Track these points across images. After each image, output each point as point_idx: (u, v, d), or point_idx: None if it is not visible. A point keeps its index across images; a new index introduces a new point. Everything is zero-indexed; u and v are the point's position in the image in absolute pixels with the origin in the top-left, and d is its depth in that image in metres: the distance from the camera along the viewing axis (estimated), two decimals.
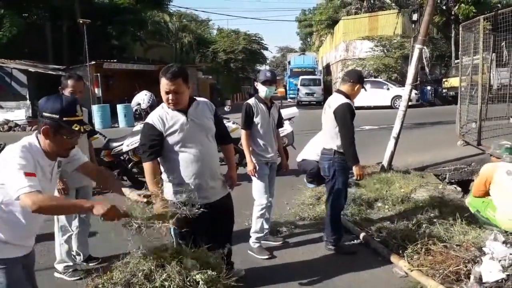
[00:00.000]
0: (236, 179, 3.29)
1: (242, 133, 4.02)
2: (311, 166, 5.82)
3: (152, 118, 2.83)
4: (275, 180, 4.38)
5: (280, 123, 4.37)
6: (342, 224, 4.35)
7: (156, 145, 2.80)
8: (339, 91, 4.00)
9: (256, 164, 3.98)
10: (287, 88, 32.59)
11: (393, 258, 3.74)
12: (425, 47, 6.21)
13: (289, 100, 29.34)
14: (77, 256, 3.88)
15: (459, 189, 6.09)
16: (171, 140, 2.80)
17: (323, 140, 4.18)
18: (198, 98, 3.01)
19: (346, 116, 3.77)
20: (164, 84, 2.73)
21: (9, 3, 19.99)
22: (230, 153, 3.33)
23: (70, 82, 3.64)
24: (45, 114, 2.04)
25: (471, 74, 9.10)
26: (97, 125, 15.24)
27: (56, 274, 3.72)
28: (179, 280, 2.13)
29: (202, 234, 2.64)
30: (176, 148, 2.82)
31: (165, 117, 2.82)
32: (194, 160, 2.84)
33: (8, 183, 1.91)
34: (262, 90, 4.06)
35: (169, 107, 2.82)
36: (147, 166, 2.81)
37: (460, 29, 8.57)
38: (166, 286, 2.10)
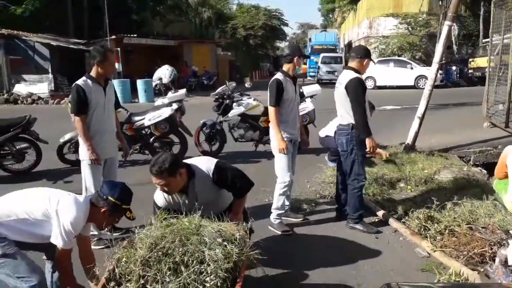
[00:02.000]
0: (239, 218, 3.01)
1: (271, 110, 3.95)
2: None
3: (159, 198, 2.93)
4: (297, 159, 4.36)
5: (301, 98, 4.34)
6: (364, 201, 4.32)
7: None
8: (348, 67, 4.04)
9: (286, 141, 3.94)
10: (308, 65, 32.10)
11: (416, 239, 3.71)
12: (454, 24, 5.96)
13: (308, 78, 28.84)
14: None
15: (484, 171, 5.94)
16: None
17: (338, 117, 4.16)
18: (196, 172, 2.82)
19: (357, 90, 3.82)
20: (151, 177, 2.73)
21: None
22: (241, 205, 3.05)
23: (110, 54, 3.67)
24: (110, 199, 2.53)
25: (501, 53, 8.76)
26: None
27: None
28: (199, 255, 2.12)
29: None
30: None
31: (168, 197, 2.89)
32: None
33: (58, 230, 2.39)
34: (299, 65, 4.05)
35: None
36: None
37: (492, 5, 8.19)
38: (185, 261, 2.10)
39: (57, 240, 2.40)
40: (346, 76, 3.93)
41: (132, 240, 2.27)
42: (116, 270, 2.11)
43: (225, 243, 2.18)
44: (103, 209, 2.52)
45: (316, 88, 7.19)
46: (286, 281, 3.20)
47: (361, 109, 3.82)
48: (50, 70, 17.89)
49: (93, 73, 3.71)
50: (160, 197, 2.88)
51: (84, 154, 3.72)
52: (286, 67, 4.06)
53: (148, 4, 25.56)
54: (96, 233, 3.80)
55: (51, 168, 6.45)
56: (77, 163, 5.17)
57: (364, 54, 3.98)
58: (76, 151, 6.03)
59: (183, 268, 2.04)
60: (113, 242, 3.44)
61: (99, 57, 3.64)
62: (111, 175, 3.89)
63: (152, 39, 22.90)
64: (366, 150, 3.95)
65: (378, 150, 4.86)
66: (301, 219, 4.36)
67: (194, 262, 2.06)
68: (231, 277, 2.08)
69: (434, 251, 3.43)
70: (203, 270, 2.04)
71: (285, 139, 3.96)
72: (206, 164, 2.88)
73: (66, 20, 22.25)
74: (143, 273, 2.05)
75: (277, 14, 36.33)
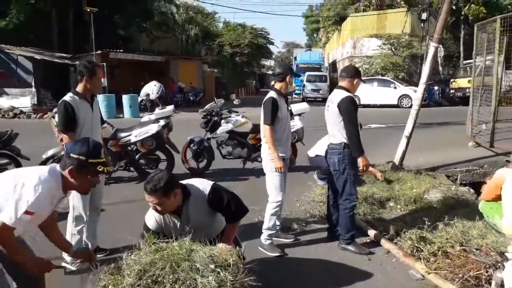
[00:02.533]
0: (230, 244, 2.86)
1: (267, 128, 3.87)
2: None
3: (149, 219, 2.76)
4: None
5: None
6: (355, 221, 4.26)
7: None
8: (339, 87, 4.03)
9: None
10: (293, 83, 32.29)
11: (409, 260, 3.65)
12: (440, 46, 6.07)
13: (294, 96, 29.09)
14: (84, 247, 3.79)
15: (472, 191, 5.97)
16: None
17: (329, 136, 4.13)
18: (191, 193, 2.72)
19: (350, 108, 3.81)
20: (145, 194, 2.59)
21: None
22: (233, 231, 2.89)
23: (98, 69, 3.58)
24: (72, 155, 2.27)
25: (483, 75, 8.96)
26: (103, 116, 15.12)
27: (63, 264, 3.63)
28: (190, 283, 2.00)
29: None
30: None
31: (159, 218, 2.74)
32: None
33: (10, 204, 2.12)
34: (291, 83, 4.05)
35: None
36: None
37: (475, 28, 8.41)
38: None
39: (5, 215, 2.10)
40: (338, 95, 3.90)
41: (119, 266, 2.13)
42: None
43: (218, 269, 2.06)
44: (69, 169, 2.25)
45: (304, 106, 7.19)
46: None
47: (354, 128, 3.79)
48: (33, 84, 17.57)
49: (79, 89, 3.60)
50: (151, 218, 2.75)
51: None
52: (278, 85, 4.01)
53: (134, 20, 25.54)
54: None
55: None
56: None
57: (355, 73, 3.99)
58: None
59: None
60: (96, 264, 3.30)
61: (87, 73, 3.54)
62: (96, 192, 3.74)
63: (138, 54, 22.82)
64: (359, 169, 3.91)
65: (371, 169, 4.83)
66: (291, 240, 4.26)
67: None
68: None
69: (429, 274, 3.36)
70: None
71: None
72: (202, 184, 2.78)
73: (51, 34, 22.04)
74: None
75: (263, 33, 36.79)
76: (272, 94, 3.96)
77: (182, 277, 1.96)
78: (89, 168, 2.29)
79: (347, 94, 3.86)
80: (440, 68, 13.35)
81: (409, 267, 3.62)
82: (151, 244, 2.27)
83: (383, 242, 4.09)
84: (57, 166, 2.34)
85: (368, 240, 4.25)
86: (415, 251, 3.76)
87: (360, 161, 3.84)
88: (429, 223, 4.01)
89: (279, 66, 4.24)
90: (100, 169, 2.31)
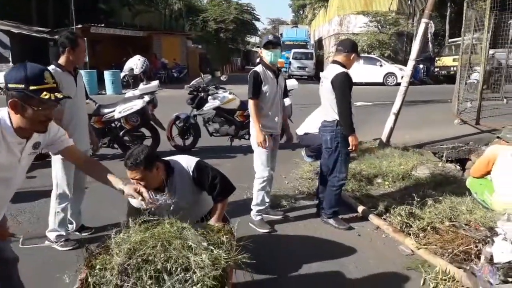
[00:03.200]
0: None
1: (250, 103, 3.78)
2: (317, 140, 5.59)
3: (132, 199, 2.54)
4: None
5: (285, 93, 4.16)
6: (340, 200, 4.24)
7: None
8: (334, 61, 3.88)
9: (265, 135, 3.78)
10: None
11: (399, 236, 3.66)
12: (431, 22, 5.98)
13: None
14: (69, 225, 3.69)
15: (458, 167, 6.02)
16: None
17: (323, 113, 4.04)
18: (175, 169, 2.61)
19: (344, 85, 3.69)
20: (126, 171, 2.45)
21: None
22: (221, 210, 2.74)
23: (81, 41, 3.39)
24: (10, 85, 1.81)
25: (470, 53, 8.96)
26: None
27: (46, 243, 3.53)
28: (183, 261, 1.91)
29: None
30: None
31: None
32: None
33: None
34: (267, 55, 3.82)
35: None
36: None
37: (465, 5, 8.33)
38: (169, 268, 1.88)
39: None
40: (332, 70, 3.77)
41: (107, 245, 2.03)
42: (90, 279, 1.87)
43: (211, 247, 1.98)
44: (9, 102, 1.82)
45: (293, 83, 7.08)
46: (274, 286, 3.05)
47: (346, 105, 3.70)
48: (10, 59, 16.91)
49: (62, 61, 3.41)
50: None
51: None
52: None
53: None
54: (63, 233, 3.52)
55: None
56: (42, 157, 4.83)
57: (352, 48, 3.83)
58: None
59: (166, 277, 1.82)
60: (82, 243, 3.21)
61: (70, 44, 3.35)
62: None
63: (120, 29, 22.12)
64: (349, 148, 3.85)
65: None
66: (281, 216, 4.23)
67: (178, 269, 1.84)
68: (219, 285, 1.88)
69: (418, 249, 3.38)
70: (189, 278, 1.83)
71: (265, 133, 3.81)
72: (186, 161, 2.67)
73: (30, 8, 21.12)
74: (120, 283, 1.81)
75: (248, 8, 36.10)
76: (257, 67, 3.86)
77: (174, 255, 1.88)
78: (32, 97, 1.80)
79: (342, 69, 3.72)
80: (430, 45, 13.30)
81: (398, 242, 3.64)
82: (140, 222, 2.17)
83: (372, 218, 4.09)
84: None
85: (356, 216, 4.25)
86: (404, 227, 3.78)
87: (350, 140, 3.78)
88: (418, 199, 4.02)
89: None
90: (46, 97, 1.80)
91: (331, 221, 4.01)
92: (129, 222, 2.17)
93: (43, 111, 1.86)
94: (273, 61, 3.84)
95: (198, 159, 2.74)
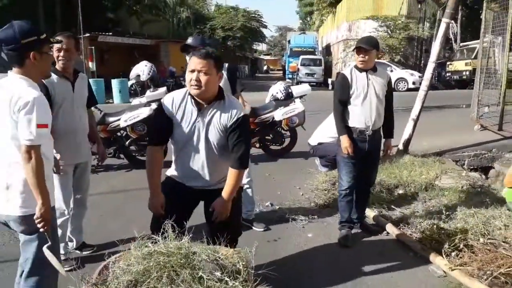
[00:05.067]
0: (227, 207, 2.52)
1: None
2: (332, 150, 5.19)
3: (168, 98, 2.46)
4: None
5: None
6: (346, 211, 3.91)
7: (162, 130, 2.50)
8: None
9: None
10: (286, 67, 31.76)
11: (430, 255, 3.30)
12: (453, 22, 5.68)
13: (287, 80, 28.56)
14: (69, 243, 3.42)
15: (483, 176, 5.67)
16: (177, 131, 2.45)
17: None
18: (229, 99, 2.45)
19: (337, 84, 3.69)
20: (192, 62, 2.32)
21: None
22: (234, 184, 2.44)
23: (61, 38, 3.08)
24: (25, 41, 2.03)
25: (488, 56, 8.61)
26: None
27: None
28: None
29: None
30: (180, 144, 2.49)
31: (179, 103, 2.42)
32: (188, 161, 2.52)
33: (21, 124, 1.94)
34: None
35: (191, 91, 2.37)
36: (147, 151, 2.57)
37: (484, 5, 7.99)
38: None
39: (23, 135, 1.93)
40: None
41: (104, 278, 1.74)
42: None
43: (225, 277, 1.69)
44: (34, 55, 2.04)
45: (305, 88, 6.78)
46: None
47: (336, 105, 3.61)
48: None
49: (59, 65, 3.16)
50: (170, 97, 2.44)
51: None
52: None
53: (124, 2, 24.69)
54: (62, 252, 3.25)
55: None
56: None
57: (374, 44, 3.50)
58: None
59: None
60: (80, 262, 2.94)
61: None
62: (82, 183, 3.35)
63: (128, 37, 22.10)
64: (344, 154, 3.58)
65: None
66: (263, 229, 3.95)
67: None
68: None
69: (452, 270, 3.04)
70: None
71: None
72: (237, 105, 2.45)
73: (37, 16, 21.18)
74: None
75: (256, 16, 36.00)
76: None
77: None
78: (44, 44, 2.11)
79: (345, 69, 3.65)
80: (455, 45, 12.65)
81: (428, 262, 3.30)
82: (143, 245, 1.88)
83: (398, 234, 3.75)
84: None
85: (383, 233, 3.90)
86: (434, 243, 3.44)
87: (341, 142, 3.59)
88: (447, 213, 3.68)
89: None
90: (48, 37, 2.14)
91: (340, 231, 3.77)
92: (131, 248, 1.88)
93: (50, 54, 2.27)
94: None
95: (247, 115, 2.53)
